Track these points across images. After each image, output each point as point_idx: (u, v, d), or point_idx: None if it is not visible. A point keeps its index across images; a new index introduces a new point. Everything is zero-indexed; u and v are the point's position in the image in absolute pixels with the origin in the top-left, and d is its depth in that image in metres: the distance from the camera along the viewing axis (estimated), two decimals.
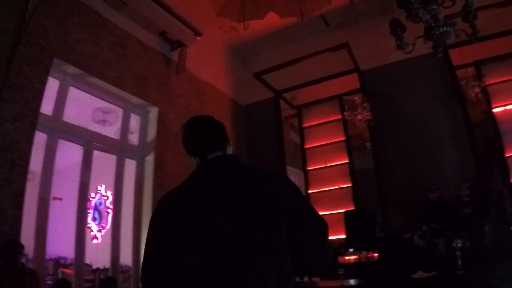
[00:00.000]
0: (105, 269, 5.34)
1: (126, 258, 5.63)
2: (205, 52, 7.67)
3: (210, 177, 1.46)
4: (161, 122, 6.54)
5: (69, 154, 5.29)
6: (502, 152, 6.65)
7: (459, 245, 4.70)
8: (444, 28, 4.17)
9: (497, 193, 6.29)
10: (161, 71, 6.71)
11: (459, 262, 4.55)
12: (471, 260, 4.58)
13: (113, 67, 5.62)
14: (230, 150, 1.63)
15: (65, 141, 5.04)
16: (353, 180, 7.77)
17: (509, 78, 7.05)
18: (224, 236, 1.31)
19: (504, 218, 5.76)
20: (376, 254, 6.36)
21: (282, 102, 8.80)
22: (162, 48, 6.72)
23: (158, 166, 6.31)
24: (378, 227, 6.66)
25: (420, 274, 4.83)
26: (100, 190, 6.06)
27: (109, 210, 5.83)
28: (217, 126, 1.69)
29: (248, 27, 6.08)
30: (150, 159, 6.33)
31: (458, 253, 4.64)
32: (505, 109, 6.92)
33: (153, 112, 6.51)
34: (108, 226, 5.72)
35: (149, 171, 6.27)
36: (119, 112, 6.14)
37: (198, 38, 6.90)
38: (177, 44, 6.81)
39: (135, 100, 6.16)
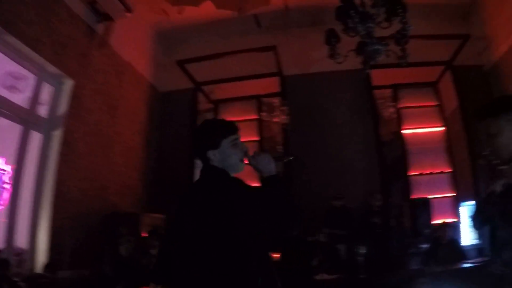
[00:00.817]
0: None
1: (21, 240, 5.12)
2: (132, 31, 7.29)
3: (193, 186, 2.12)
4: (75, 96, 6.06)
5: None
6: (406, 170, 7.39)
7: (362, 251, 5.10)
8: (377, 47, 4.46)
9: (397, 208, 6.94)
10: (83, 42, 6.21)
11: (362, 267, 4.95)
12: (374, 267, 4.98)
13: (34, 28, 5.06)
14: (213, 154, 1.93)
15: None
16: None
17: (421, 104, 7.88)
18: (194, 231, 1.79)
19: (402, 231, 6.37)
20: (278, 255, 6.60)
21: (200, 95, 8.70)
22: (88, 19, 6.21)
23: (65, 143, 5.83)
24: None
25: (323, 276, 5.14)
26: None
27: (7, 186, 5.23)
28: (197, 137, 2.08)
29: (183, 12, 5.94)
30: (57, 134, 5.81)
31: (361, 258, 5.04)
32: (413, 132, 7.73)
33: (68, 84, 5.99)
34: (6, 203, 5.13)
35: (55, 147, 5.76)
36: (31, 79, 5.55)
37: (128, 14, 6.54)
38: (105, 17, 6.37)
39: (51, 68, 5.61)
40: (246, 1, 6.34)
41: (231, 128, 1.98)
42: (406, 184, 7.48)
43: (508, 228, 2.70)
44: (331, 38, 4.80)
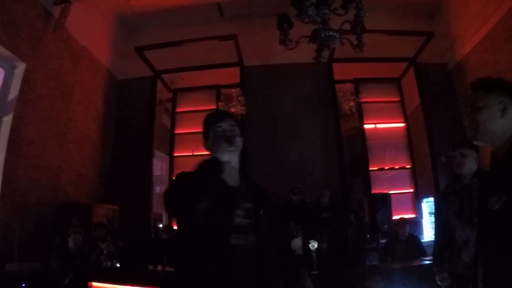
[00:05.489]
0: None
1: None
2: (90, 15, 6.99)
3: None
4: (26, 80, 5.76)
5: None
6: (366, 165, 7.47)
7: (314, 246, 5.11)
8: (330, 33, 4.37)
9: (357, 203, 6.99)
10: (38, 24, 5.91)
11: (314, 262, 4.96)
12: (328, 262, 5.01)
13: None
14: (206, 145, 1.98)
15: None
16: None
17: (381, 100, 7.98)
18: None
19: (362, 225, 6.43)
20: None
21: (160, 84, 8.50)
22: (44, 0, 5.93)
23: (15, 129, 5.56)
24: None
25: None
26: None
27: None
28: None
29: None
30: (7, 121, 5.53)
31: (313, 254, 5.06)
32: (374, 127, 7.82)
33: (20, 68, 5.70)
34: None
35: (4, 133, 5.48)
36: None
37: None
38: None
39: (2, 50, 5.31)
40: None
41: (214, 117, 2.01)
42: (366, 179, 7.52)
43: (465, 227, 2.84)
44: (283, 23, 4.72)
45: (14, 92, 5.64)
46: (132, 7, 7.40)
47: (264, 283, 1.80)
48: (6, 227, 5.16)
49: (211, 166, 1.79)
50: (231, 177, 1.91)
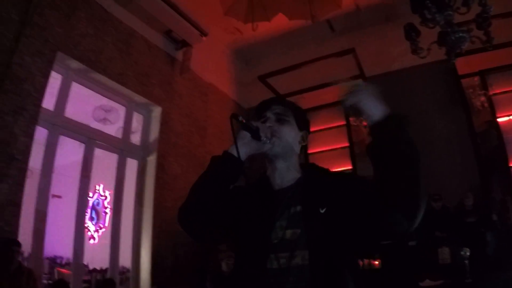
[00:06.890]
0: (102, 270, 5.21)
1: (125, 259, 5.49)
2: (210, 53, 7.58)
3: None
4: (164, 122, 6.43)
5: (70, 151, 5.17)
6: (505, 161, 6.57)
7: (467, 253, 4.58)
8: (460, 34, 4.22)
9: (499, 203, 6.16)
10: (165, 70, 6.61)
11: (468, 271, 4.43)
12: (474, 269, 4.47)
13: (116, 63, 5.52)
14: None
15: (66, 138, 4.92)
16: None
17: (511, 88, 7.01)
18: None
19: (508, 227, 5.63)
20: (377, 262, 6.19)
21: None
22: (166, 47, 6.62)
23: (160, 167, 6.19)
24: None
25: (427, 282, 4.71)
26: (98, 190, 5.94)
27: (107, 210, 5.71)
28: None
29: (257, 28, 6.00)
30: (152, 159, 6.21)
31: (466, 261, 4.52)
32: (509, 119, 6.86)
33: (156, 111, 6.41)
34: (106, 226, 5.59)
35: (151, 171, 6.15)
36: (120, 111, 6.03)
37: (204, 38, 6.82)
38: (182, 44, 6.71)
39: (138, 98, 6.05)
40: (318, 8, 6.21)
41: (259, 107, 1.57)
42: (507, 176, 6.58)
43: None
44: (411, 33, 4.63)
45: (154, 133, 6.33)
46: (246, 39, 7.76)
47: None
48: (160, 255, 5.69)
49: (215, 161, 1.43)
50: (281, 176, 1.44)
